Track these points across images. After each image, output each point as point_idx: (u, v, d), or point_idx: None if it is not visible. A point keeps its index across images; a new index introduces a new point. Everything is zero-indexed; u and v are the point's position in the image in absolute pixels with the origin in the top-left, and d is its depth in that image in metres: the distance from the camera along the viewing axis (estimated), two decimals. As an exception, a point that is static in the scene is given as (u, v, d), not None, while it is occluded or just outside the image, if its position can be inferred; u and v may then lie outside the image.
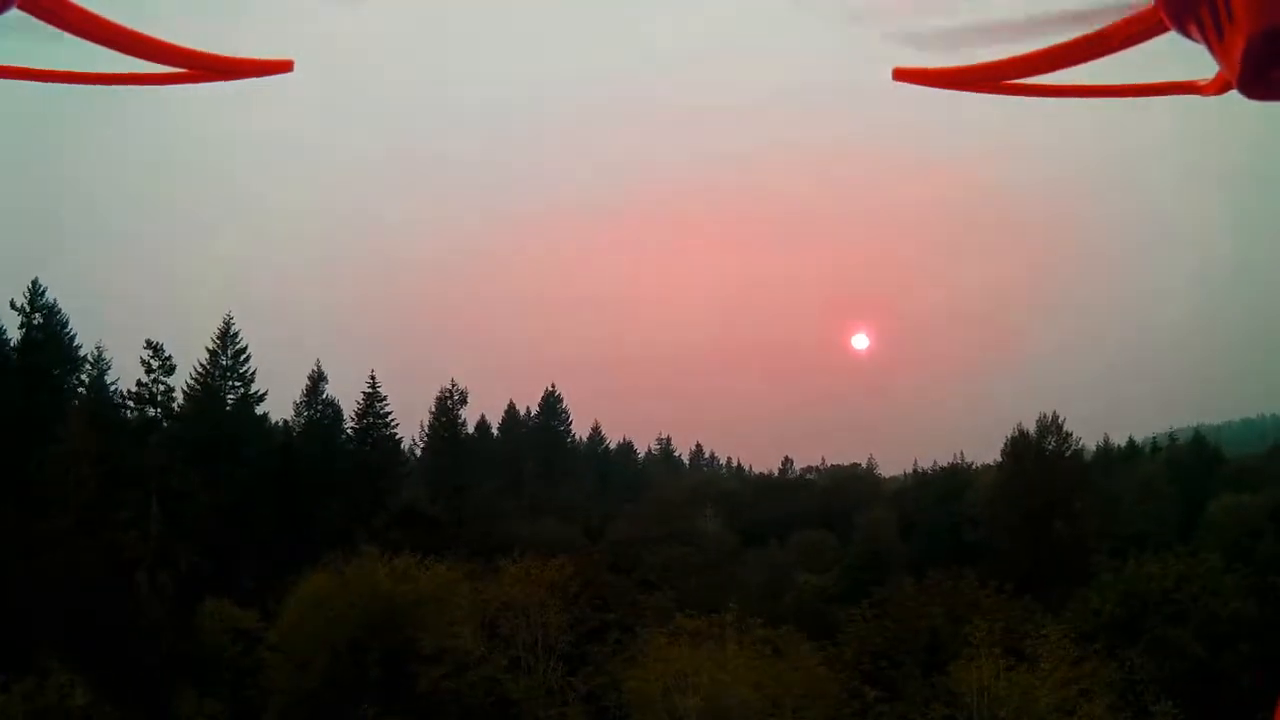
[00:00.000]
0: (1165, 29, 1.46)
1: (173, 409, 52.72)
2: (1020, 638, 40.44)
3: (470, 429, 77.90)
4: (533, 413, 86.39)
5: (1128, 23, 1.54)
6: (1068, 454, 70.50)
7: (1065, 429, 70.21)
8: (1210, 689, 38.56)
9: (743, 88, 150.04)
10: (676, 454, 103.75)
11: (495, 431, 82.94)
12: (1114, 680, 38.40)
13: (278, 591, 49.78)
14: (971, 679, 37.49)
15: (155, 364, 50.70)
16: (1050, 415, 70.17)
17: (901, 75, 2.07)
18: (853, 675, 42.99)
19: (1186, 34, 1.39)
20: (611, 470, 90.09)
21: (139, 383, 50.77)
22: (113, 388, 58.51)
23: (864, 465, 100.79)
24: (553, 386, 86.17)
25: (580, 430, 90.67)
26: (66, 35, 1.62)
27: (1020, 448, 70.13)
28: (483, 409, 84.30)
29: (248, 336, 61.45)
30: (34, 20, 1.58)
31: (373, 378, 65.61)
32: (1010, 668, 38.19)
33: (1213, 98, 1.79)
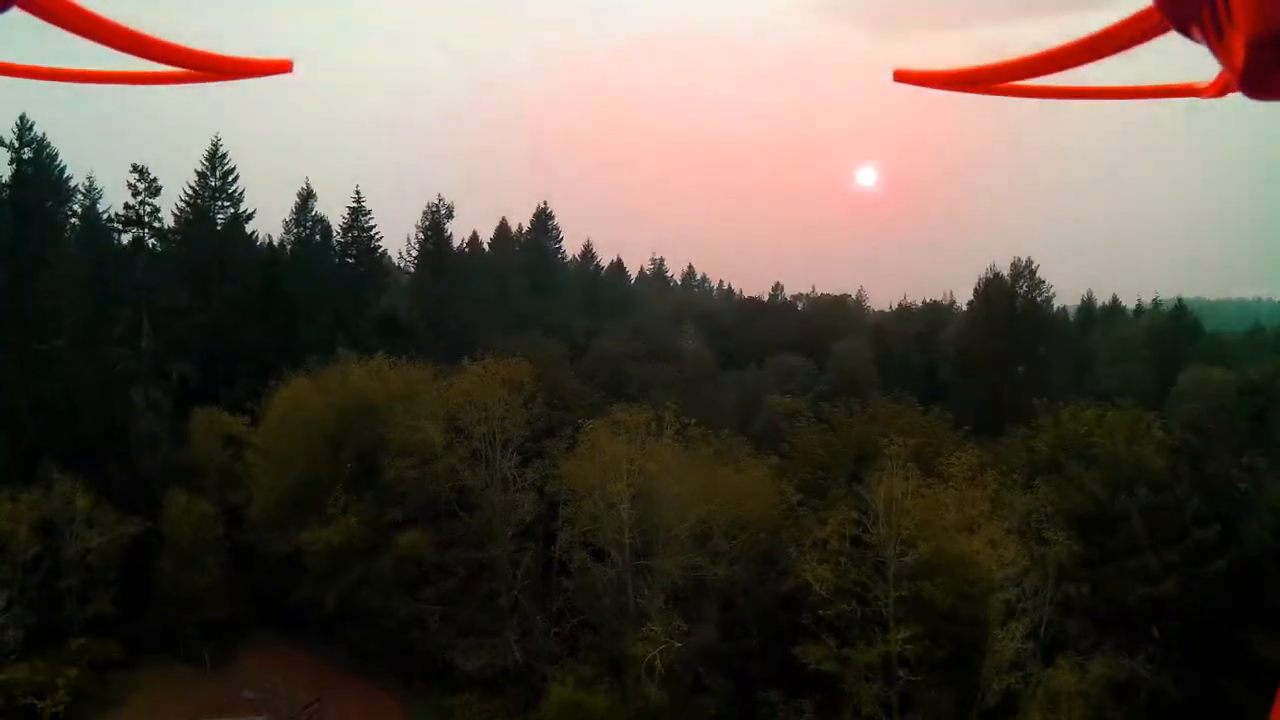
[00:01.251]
0: (1166, 30, 1.46)
1: (161, 230, 55.33)
2: (933, 458, 43.47)
3: (464, 246, 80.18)
4: (525, 230, 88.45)
5: (1129, 24, 1.54)
6: (1040, 300, 70.75)
7: (1039, 276, 70.32)
8: (1104, 526, 41.53)
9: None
10: (669, 275, 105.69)
11: (486, 248, 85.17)
12: (1018, 506, 41.50)
13: (265, 399, 53.60)
14: (881, 489, 40.72)
15: (141, 186, 53.09)
16: (1024, 260, 70.28)
17: (902, 77, 2.10)
18: (790, 481, 46.62)
19: (1187, 35, 1.39)
20: (601, 289, 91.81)
21: (126, 205, 53.37)
22: (104, 216, 60.84)
23: (853, 296, 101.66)
24: (544, 203, 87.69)
25: (573, 250, 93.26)
26: (66, 35, 1.62)
27: (991, 289, 70.62)
28: (479, 228, 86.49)
29: (240, 160, 63.05)
30: (34, 20, 1.56)
31: (357, 191, 67.78)
32: (922, 485, 41.46)
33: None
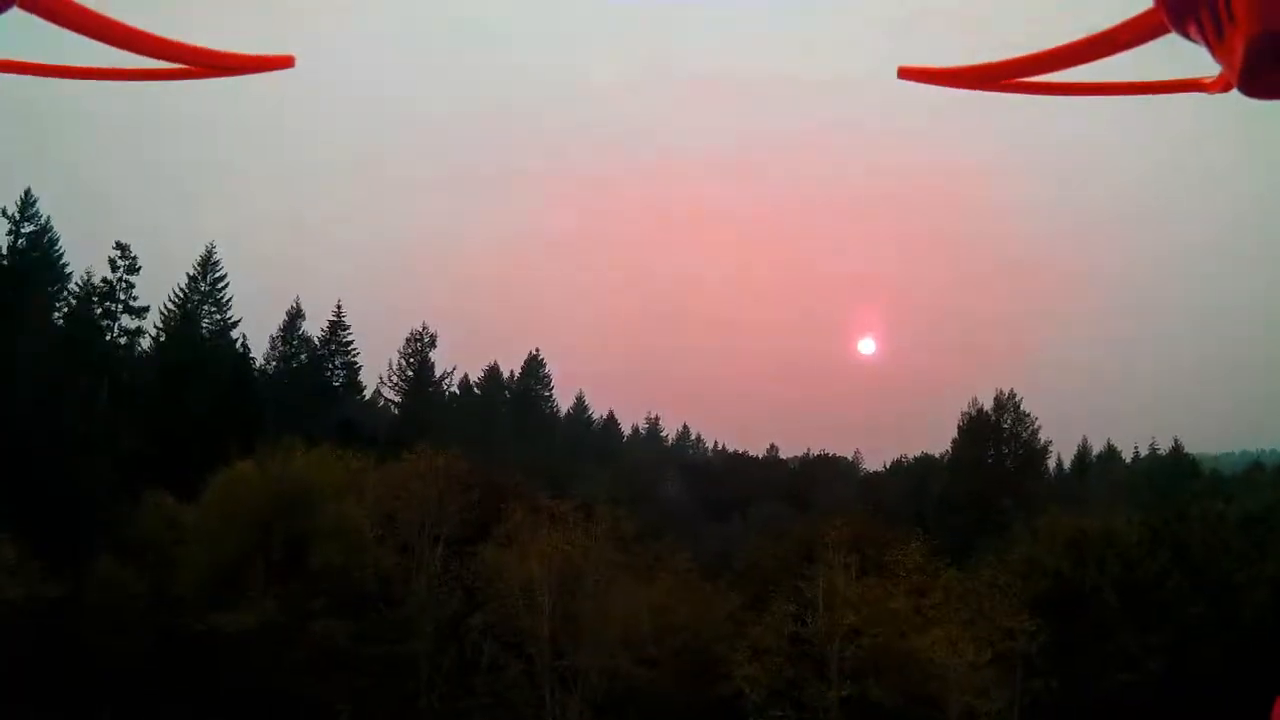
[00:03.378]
0: (1167, 30, 1.49)
1: (135, 308, 56.24)
2: (880, 556, 40.67)
3: (447, 378, 79.90)
4: (515, 376, 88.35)
5: (1130, 24, 1.58)
6: (1025, 435, 68.87)
7: (1022, 408, 68.87)
8: (1073, 608, 37.79)
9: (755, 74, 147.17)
10: (664, 433, 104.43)
11: (476, 390, 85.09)
12: (977, 596, 38.23)
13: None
14: (820, 579, 37.97)
15: (122, 263, 54.58)
16: (1008, 392, 69.08)
17: (906, 74, 2.10)
18: (736, 593, 43.76)
19: (1186, 34, 1.42)
20: (590, 440, 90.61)
21: (104, 279, 54.70)
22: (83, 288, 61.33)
23: (849, 458, 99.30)
24: (536, 350, 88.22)
25: (565, 404, 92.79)
26: (67, 32, 1.64)
27: (975, 424, 69.01)
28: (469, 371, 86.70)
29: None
30: (34, 18, 1.58)
31: (338, 307, 68.93)
32: (867, 580, 38.58)
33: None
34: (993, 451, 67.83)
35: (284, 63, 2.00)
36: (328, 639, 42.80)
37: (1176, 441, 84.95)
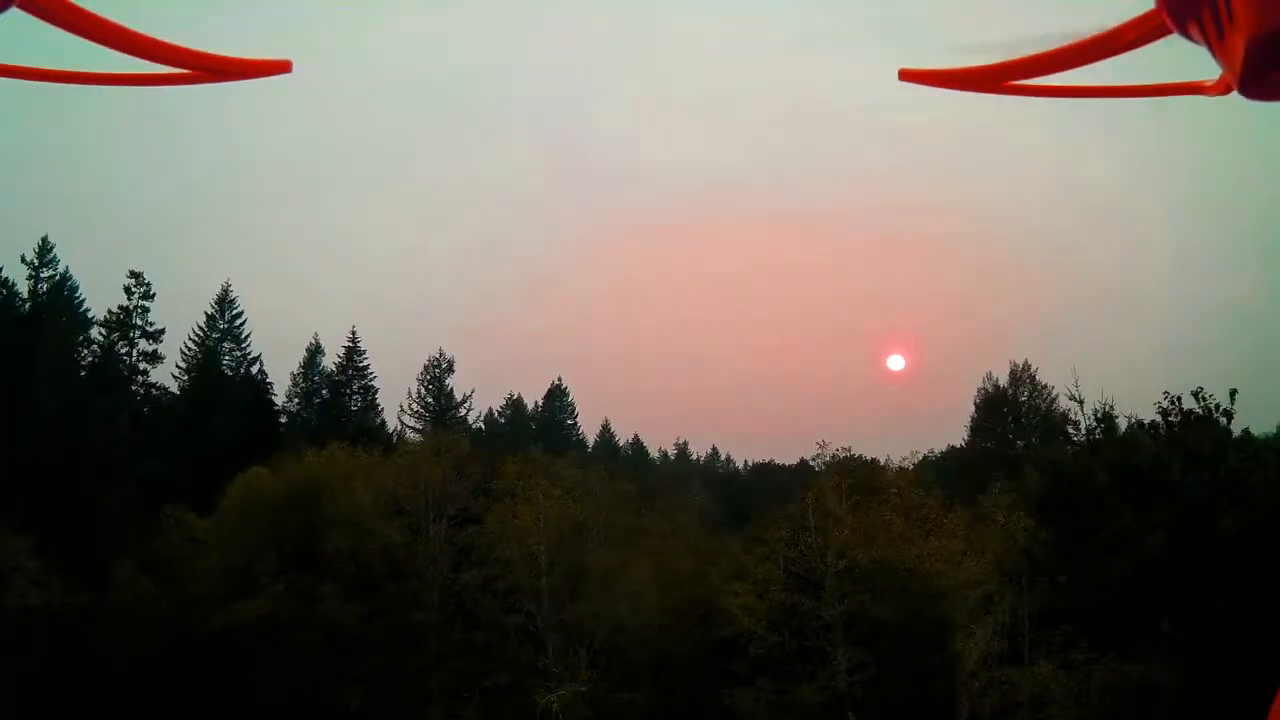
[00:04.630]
0: (1168, 31, 1.48)
1: (151, 332, 58.43)
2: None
3: (479, 422, 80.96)
4: (539, 406, 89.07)
5: (1131, 25, 1.57)
6: (1044, 408, 67.02)
7: (1038, 379, 67.23)
8: (1073, 503, 36.50)
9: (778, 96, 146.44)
10: (694, 456, 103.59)
11: (500, 419, 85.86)
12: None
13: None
14: (810, 498, 37.66)
15: (137, 290, 57.05)
16: (1023, 364, 67.55)
17: (907, 76, 2.12)
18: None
19: (1187, 35, 1.40)
20: (619, 467, 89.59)
21: (120, 306, 57.10)
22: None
23: (881, 461, 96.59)
24: (559, 379, 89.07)
25: (591, 433, 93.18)
26: (66, 35, 1.63)
27: (991, 399, 67.54)
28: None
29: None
30: (34, 19, 1.56)
31: (353, 332, 70.67)
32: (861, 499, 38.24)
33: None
34: (1011, 423, 66.05)
35: (281, 67, 1.98)
36: (337, 620, 42.95)
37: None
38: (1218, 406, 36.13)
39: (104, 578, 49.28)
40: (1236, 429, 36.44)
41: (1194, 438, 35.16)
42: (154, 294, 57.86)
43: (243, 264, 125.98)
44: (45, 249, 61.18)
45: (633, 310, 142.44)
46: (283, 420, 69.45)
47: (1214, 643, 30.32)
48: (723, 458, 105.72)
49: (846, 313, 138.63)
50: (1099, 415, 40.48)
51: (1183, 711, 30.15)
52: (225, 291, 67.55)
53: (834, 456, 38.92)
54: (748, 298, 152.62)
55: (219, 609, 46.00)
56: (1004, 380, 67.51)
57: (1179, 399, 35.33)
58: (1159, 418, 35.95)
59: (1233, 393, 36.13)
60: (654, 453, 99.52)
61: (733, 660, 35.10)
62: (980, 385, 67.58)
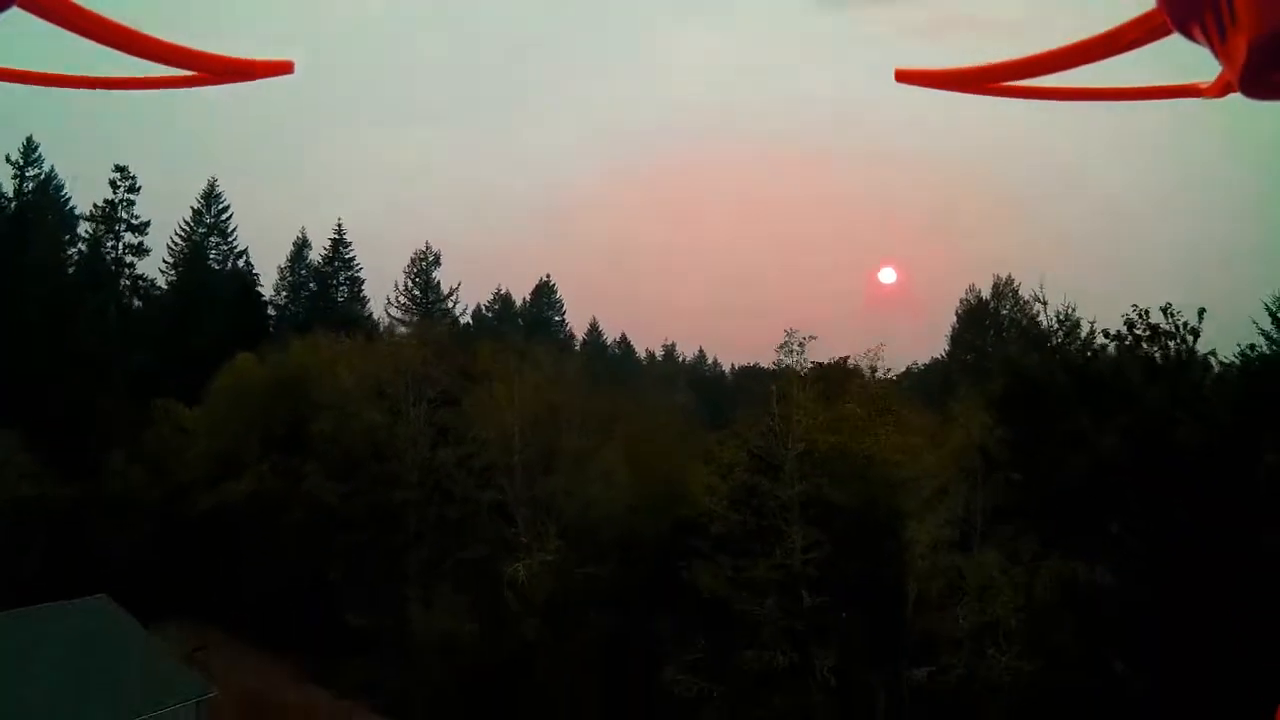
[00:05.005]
0: (1169, 31, 1.43)
1: (137, 225, 58.78)
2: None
3: (466, 316, 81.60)
4: (526, 301, 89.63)
5: (1131, 25, 1.52)
6: (1024, 322, 67.29)
7: (1020, 293, 67.27)
8: (1028, 397, 37.28)
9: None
10: (681, 357, 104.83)
11: (488, 314, 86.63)
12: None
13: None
14: (775, 388, 38.58)
15: (122, 184, 57.17)
16: (1005, 277, 67.47)
17: (903, 77, 2.07)
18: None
19: (1189, 36, 1.35)
20: (605, 366, 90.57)
21: (106, 200, 57.26)
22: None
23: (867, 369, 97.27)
24: (547, 276, 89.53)
25: (579, 331, 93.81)
26: (66, 35, 1.55)
27: (972, 311, 67.84)
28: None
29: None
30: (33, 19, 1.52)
31: (339, 224, 70.93)
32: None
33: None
34: (992, 335, 66.58)
35: (284, 68, 1.95)
36: (320, 498, 44.47)
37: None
38: (1185, 324, 36.35)
39: (96, 469, 50.87)
40: (1204, 351, 36.57)
41: (1157, 350, 35.75)
42: (139, 187, 57.95)
43: (230, 160, 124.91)
44: (30, 148, 61.06)
45: (626, 215, 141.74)
46: (271, 314, 70.29)
47: (1160, 550, 31.51)
48: (709, 360, 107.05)
49: (840, 225, 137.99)
50: (1061, 318, 40.99)
51: (1124, 611, 31.57)
52: (211, 186, 67.72)
53: (801, 344, 39.47)
54: (741, 205, 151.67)
55: (208, 491, 47.67)
56: (987, 293, 67.93)
57: (1146, 311, 35.71)
58: (1124, 328, 36.43)
59: (1201, 311, 36.15)
60: (641, 353, 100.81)
61: (695, 538, 36.49)
62: (963, 297, 68.15)
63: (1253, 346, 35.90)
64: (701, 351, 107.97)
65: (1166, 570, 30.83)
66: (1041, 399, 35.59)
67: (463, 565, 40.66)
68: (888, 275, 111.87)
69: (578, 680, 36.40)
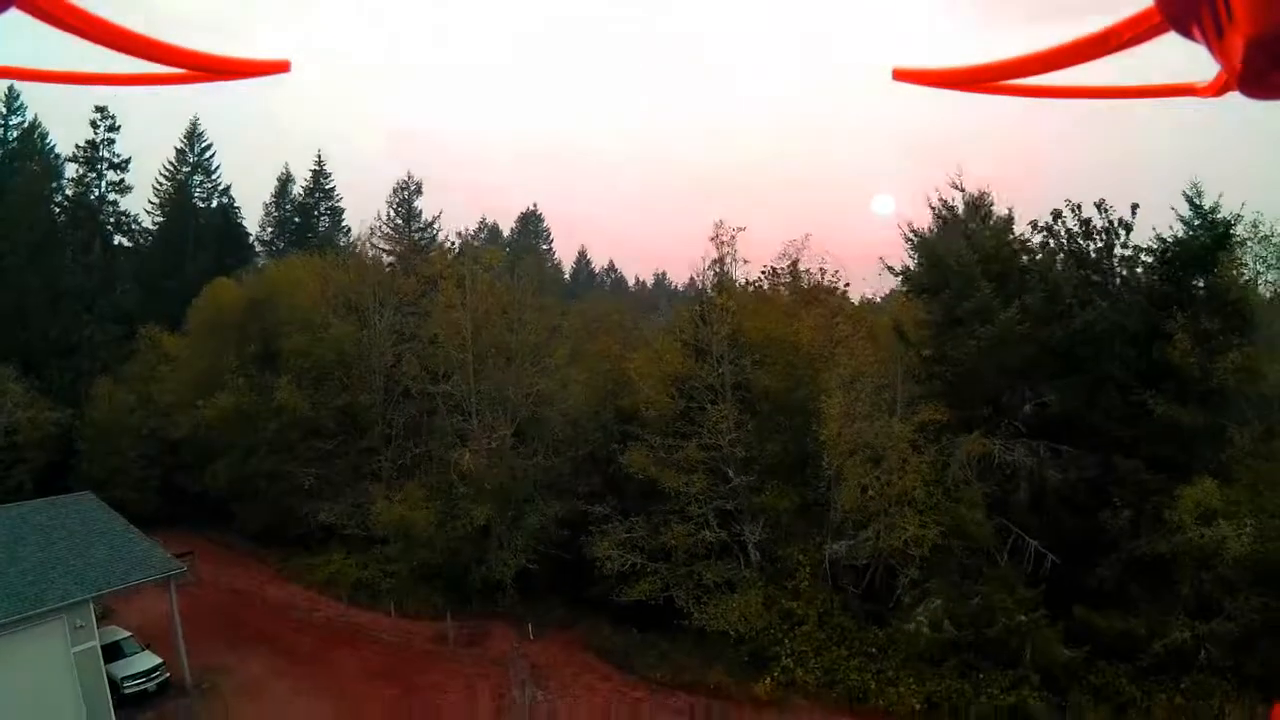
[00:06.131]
0: (1166, 30, 1.48)
1: (119, 162, 60.79)
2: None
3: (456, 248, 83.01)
4: (512, 231, 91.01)
5: (1129, 23, 1.57)
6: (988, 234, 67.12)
7: (992, 206, 67.22)
8: (945, 283, 38.43)
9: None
10: (670, 285, 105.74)
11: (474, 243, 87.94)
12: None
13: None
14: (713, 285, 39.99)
15: (103, 123, 59.11)
16: (979, 193, 67.28)
17: (901, 76, 2.10)
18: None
19: (1187, 34, 1.40)
20: (595, 294, 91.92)
21: (87, 140, 59.29)
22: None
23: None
24: (534, 205, 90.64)
25: (568, 260, 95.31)
26: (66, 35, 1.63)
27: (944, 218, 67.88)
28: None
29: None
30: (32, 19, 1.56)
31: (319, 155, 72.67)
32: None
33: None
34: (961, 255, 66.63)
35: (279, 68, 2.00)
36: (292, 408, 46.82)
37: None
38: (1119, 220, 37.13)
39: (85, 397, 53.83)
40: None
41: (1090, 245, 36.81)
42: (119, 126, 59.83)
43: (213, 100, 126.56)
44: (12, 97, 63.09)
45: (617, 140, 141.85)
46: (257, 250, 72.43)
47: (1071, 429, 32.83)
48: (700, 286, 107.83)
49: (834, 153, 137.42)
50: (971, 201, 41.82)
51: (1037, 488, 33.21)
52: (194, 125, 69.41)
53: (732, 235, 40.75)
54: (734, 134, 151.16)
55: (189, 411, 50.20)
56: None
57: (1079, 206, 36.67)
58: (1050, 219, 37.45)
59: (1134, 206, 36.87)
60: (632, 282, 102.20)
61: (633, 424, 38.41)
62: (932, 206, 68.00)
63: (1173, 230, 36.84)
64: (692, 279, 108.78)
65: (1078, 450, 32.50)
66: (950, 278, 36.99)
67: (423, 460, 43.08)
68: (884, 205, 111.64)
69: (525, 561, 38.82)
